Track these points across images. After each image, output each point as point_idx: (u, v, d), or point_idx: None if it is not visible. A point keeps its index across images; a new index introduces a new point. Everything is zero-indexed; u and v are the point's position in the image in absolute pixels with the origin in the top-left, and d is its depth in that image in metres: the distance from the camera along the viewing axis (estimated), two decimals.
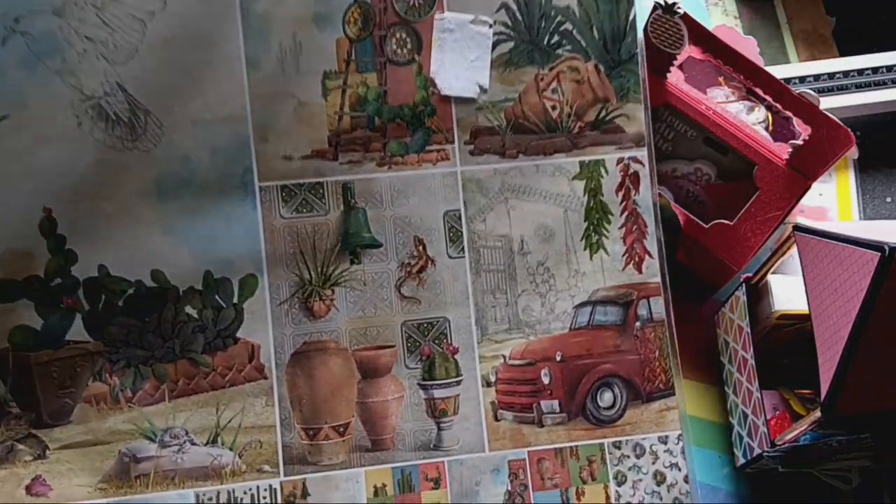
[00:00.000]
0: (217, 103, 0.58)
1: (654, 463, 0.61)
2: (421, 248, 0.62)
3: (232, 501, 0.58)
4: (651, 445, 0.61)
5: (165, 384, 0.58)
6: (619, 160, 0.64)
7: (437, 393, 0.61)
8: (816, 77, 0.73)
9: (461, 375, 0.61)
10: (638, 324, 0.62)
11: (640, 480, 0.61)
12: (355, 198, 0.61)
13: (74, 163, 0.56)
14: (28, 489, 0.56)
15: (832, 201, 0.75)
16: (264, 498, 0.58)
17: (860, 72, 0.73)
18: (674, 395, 0.62)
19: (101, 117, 0.57)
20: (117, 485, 0.57)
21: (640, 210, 0.63)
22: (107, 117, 0.57)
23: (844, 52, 0.77)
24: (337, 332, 0.61)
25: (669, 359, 0.63)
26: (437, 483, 0.60)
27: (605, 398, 0.62)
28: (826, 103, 0.68)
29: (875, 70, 0.73)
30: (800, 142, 0.62)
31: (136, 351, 0.57)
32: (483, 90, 0.62)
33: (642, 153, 0.64)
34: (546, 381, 0.62)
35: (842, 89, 0.73)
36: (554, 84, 0.63)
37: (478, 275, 0.62)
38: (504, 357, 0.62)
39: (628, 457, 0.61)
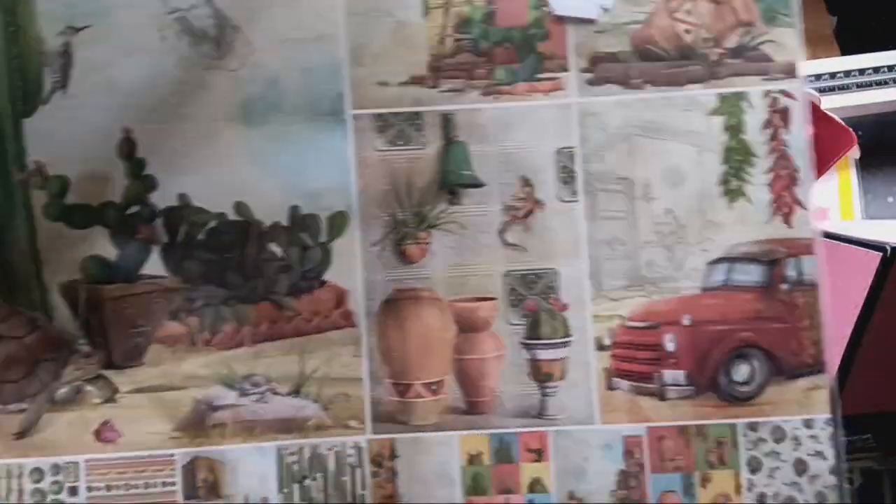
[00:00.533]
0: (310, 21, 0.54)
1: (795, 450, 0.52)
2: (528, 189, 0.55)
3: (316, 457, 0.53)
4: (793, 429, 0.52)
5: (247, 327, 0.54)
6: (766, 93, 0.55)
7: (542, 354, 0.54)
8: (817, 77, 0.76)
9: (570, 336, 0.54)
10: (785, 286, 0.53)
11: (778, 469, 0.52)
12: (456, 130, 0.55)
13: (156, 80, 0.53)
14: (97, 434, 0.53)
15: (834, 201, 0.76)
16: (350, 456, 0.53)
17: (861, 71, 0.75)
18: (824, 372, 0.53)
19: (186, 32, 0.53)
20: (192, 434, 0.53)
21: (790, 152, 0.54)
22: (192, 32, 0.53)
23: (846, 52, 0.78)
24: (432, 279, 0.55)
25: (821, 329, 0.53)
26: (539, 455, 0.53)
27: (741, 371, 0.53)
28: (827, 103, 0.69)
29: (876, 69, 0.75)
30: None
31: (215, 289, 0.53)
32: (605, 10, 0.54)
33: (794, 85, 0.54)
34: (671, 347, 0.54)
35: (843, 89, 0.75)
36: (689, 4, 0.55)
37: (593, 222, 0.54)
38: (622, 318, 0.54)
39: (765, 441, 0.52)
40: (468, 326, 0.55)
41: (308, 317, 0.54)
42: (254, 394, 0.53)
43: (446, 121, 0.55)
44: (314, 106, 0.54)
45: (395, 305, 0.55)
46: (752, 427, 0.53)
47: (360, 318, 0.54)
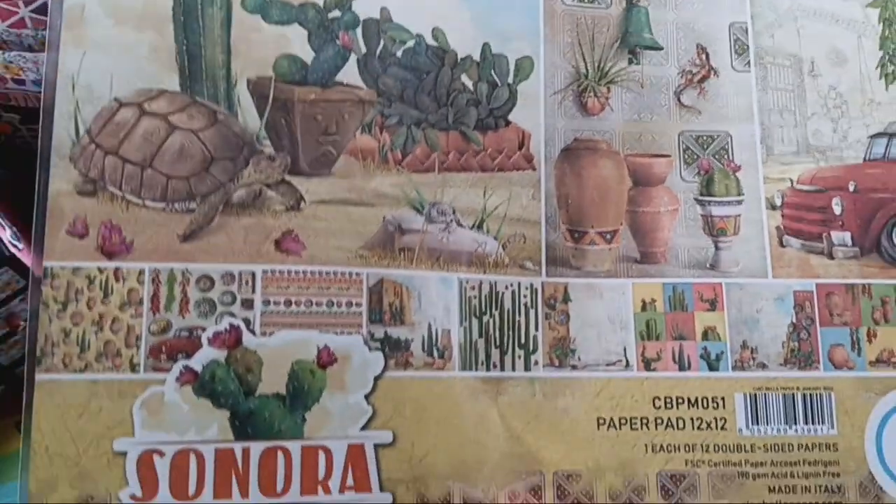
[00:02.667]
0: None
1: None
2: (704, 56, 0.59)
3: (494, 293, 0.54)
4: None
5: (436, 154, 0.55)
6: None
7: (716, 210, 0.58)
8: None
9: (742, 194, 0.58)
10: None
11: None
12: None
13: None
14: (277, 244, 0.52)
15: None
16: (525, 296, 0.55)
17: None
18: None
19: None
20: (380, 254, 0.53)
21: None
22: None
23: None
24: (610, 133, 0.58)
25: None
26: (713, 305, 0.56)
27: None
28: None
29: None
30: None
31: (409, 110, 0.55)
32: None
33: None
34: (837, 210, 0.58)
35: None
36: None
37: (764, 92, 0.59)
38: (791, 181, 0.59)
39: None
40: (643, 180, 0.58)
41: (492, 154, 0.56)
42: (440, 222, 0.54)
43: None
44: None
45: (573, 154, 0.57)
46: None
47: (540, 162, 0.56)
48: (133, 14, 0.52)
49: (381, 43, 0.55)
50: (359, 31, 0.55)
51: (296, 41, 0.54)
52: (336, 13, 0.54)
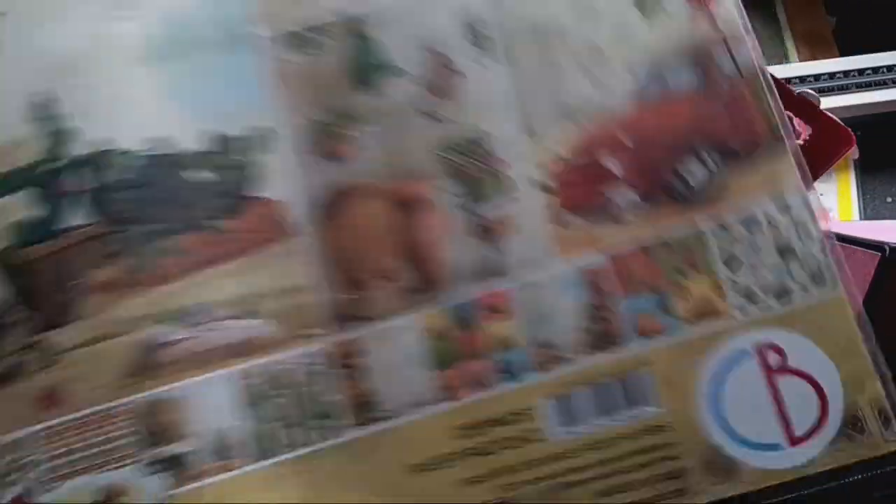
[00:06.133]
0: None
1: (775, 237, 0.52)
2: (441, 61, 0.59)
3: (283, 374, 0.55)
4: (768, 214, 0.52)
5: (184, 258, 0.58)
6: None
7: (488, 213, 0.56)
8: (816, 77, 0.81)
9: (512, 189, 0.56)
10: (723, 82, 0.55)
11: (761, 261, 0.52)
12: (361, 28, 0.60)
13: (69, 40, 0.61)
14: (41, 403, 0.55)
15: (832, 201, 0.82)
16: (318, 364, 0.55)
17: (860, 71, 0.81)
18: (784, 145, 0.53)
19: None
20: (147, 376, 0.56)
21: None
22: None
23: (845, 52, 0.85)
24: (368, 170, 0.59)
25: (770, 111, 0.54)
26: (502, 313, 0.54)
27: (694, 171, 0.54)
28: (826, 103, 0.76)
29: (876, 70, 0.81)
30: (800, 142, 0.63)
31: (148, 226, 0.58)
32: None
33: None
34: (613, 169, 0.55)
35: (842, 89, 0.81)
36: None
37: (512, 77, 0.58)
38: (558, 155, 0.56)
39: (740, 238, 0.52)
40: (410, 207, 0.58)
41: (247, 236, 0.59)
42: (201, 324, 0.57)
43: (351, 21, 0.61)
44: (224, 32, 0.60)
45: (335, 206, 0.59)
46: (723, 227, 0.53)
47: (301, 226, 0.58)
48: None
49: (107, 174, 0.60)
50: (84, 170, 0.60)
51: (24, 205, 0.59)
52: (57, 163, 0.60)
